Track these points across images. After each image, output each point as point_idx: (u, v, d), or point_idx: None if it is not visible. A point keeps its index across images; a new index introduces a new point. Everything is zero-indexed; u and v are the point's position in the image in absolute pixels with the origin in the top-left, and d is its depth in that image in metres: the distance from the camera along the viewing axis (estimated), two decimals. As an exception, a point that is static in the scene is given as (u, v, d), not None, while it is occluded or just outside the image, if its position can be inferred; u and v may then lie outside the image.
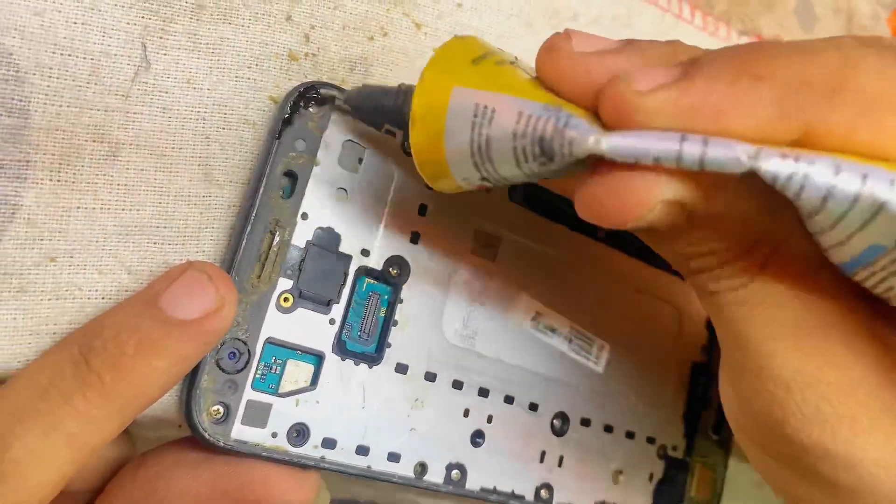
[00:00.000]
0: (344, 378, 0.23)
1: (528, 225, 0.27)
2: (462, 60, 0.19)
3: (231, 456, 0.22)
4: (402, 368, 0.24)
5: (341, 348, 0.23)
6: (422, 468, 0.25)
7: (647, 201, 0.16)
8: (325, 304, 0.23)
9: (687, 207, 0.17)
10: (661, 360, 0.31)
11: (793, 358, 0.18)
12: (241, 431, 0.22)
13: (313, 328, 0.23)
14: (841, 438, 0.17)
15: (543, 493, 0.27)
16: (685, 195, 0.16)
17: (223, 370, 0.21)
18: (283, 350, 0.22)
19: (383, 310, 0.24)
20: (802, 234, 0.17)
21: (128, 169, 0.21)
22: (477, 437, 0.26)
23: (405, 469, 0.24)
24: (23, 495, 0.18)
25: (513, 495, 0.26)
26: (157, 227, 0.22)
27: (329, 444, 0.23)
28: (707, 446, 0.31)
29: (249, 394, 0.22)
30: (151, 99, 0.22)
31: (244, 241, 0.22)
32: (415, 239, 0.25)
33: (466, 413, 0.26)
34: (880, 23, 0.38)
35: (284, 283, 0.22)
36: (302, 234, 0.23)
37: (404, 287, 0.24)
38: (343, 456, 0.23)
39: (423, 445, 0.25)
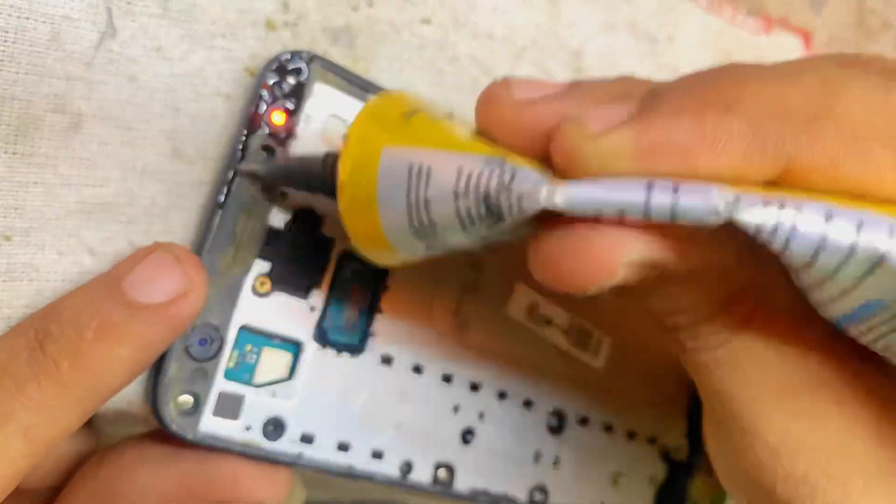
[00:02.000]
0: (324, 369, 0.22)
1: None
2: (391, 117, 0.17)
3: (199, 450, 0.20)
4: (386, 360, 0.23)
5: (322, 337, 0.22)
6: (407, 467, 0.23)
7: (610, 263, 0.14)
8: (304, 290, 0.22)
9: (657, 264, 0.15)
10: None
11: (779, 421, 0.16)
12: (211, 424, 0.20)
13: (292, 315, 0.21)
14: (833, 502, 0.16)
15: (538, 495, 0.25)
16: (654, 253, 0.14)
17: (193, 357, 0.20)
18: (259, 337, 0.21)
19: (368, 297, 0.23)
20: (787, 284, 0.15)
21: (90, 142, 0.20)
22: (467, 435, 0.24)
23: (389, 468, 0.23)
24: None
25: (505, 497, 0.25)
26: (122, 205, 0.20)
27: (307, 439, 0.21)
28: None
29: (221, 384, 0.20)
30: (117, 68, 0.20)
31: (217, 220, 0.20)
32: None
33: (456, 409, 0.24)
34: (891, 6, 0.37)
35: (261, 266, 0.21)
36: (280, 215, 0.21)
37: (391, 274, 0.23)
38: (322, 452, 0.22)
39: (409, 443, 0.23)
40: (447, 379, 0.24)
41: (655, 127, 0.14)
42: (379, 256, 0.18)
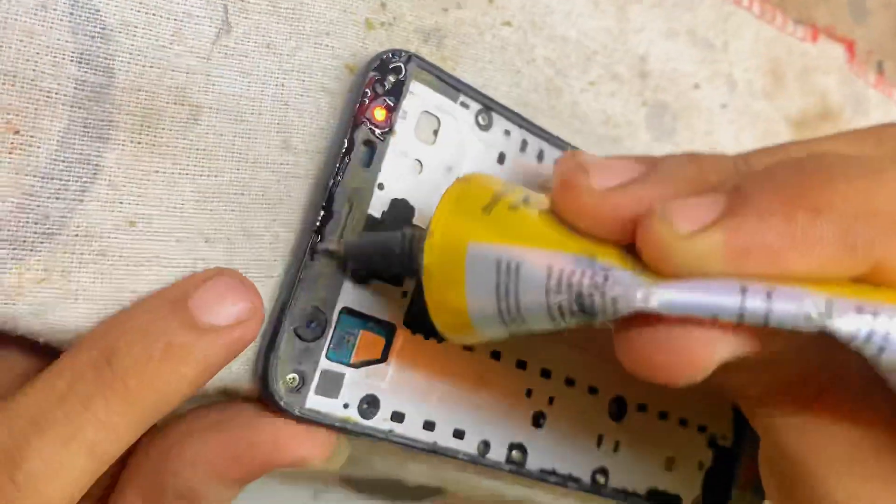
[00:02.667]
0: (413, 352, 0.23)
1: None
2: (472, 210, 0.18)
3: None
4: (468, 346, 0.24)
5: (412, 322, 0.23)
6: (485, 447, 0.24)
7: (703, 361, 0.15)
8: (398, 277, 0.23)
9: (741, 357, 0.15)
10: None
11: (847, 483, 0.17)
12: (314, 401, 0.21)
13: (386, 300, 0.23)
14: None
15: (599, 477, 0.27)
16: (744, 348, 0.15)
17: (301, 338, 0.21)
18: (357, 321, 0.22)
19: None
20: (858, 364, 0.15)
21: (207, 134, 0.21)
22: (539, 419, 0.25)
23: (469, 447, 0.24)
24: None
25: (570, 478, 0.26)
26: (235, 194, 0.21)
27: (398, 417, 0.23)
28: (755, 437, 0.31)
29: (324, 363, 0.21)
30: (232, 62, 0.21)
31: (327, 209, 0.21)
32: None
33: (529, 393, 0.25)
34: (924, 18, 0.38)
35: None
36: (378, 205, 0.22)
37: None
38: (410, 430, 0.23)
39: (487, 424, 0.24)
40: (521, 365, 0.25)
41: (746, 229, 0.14)
42: (459, 337, 0.19)
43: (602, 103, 0.28)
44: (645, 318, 0.15)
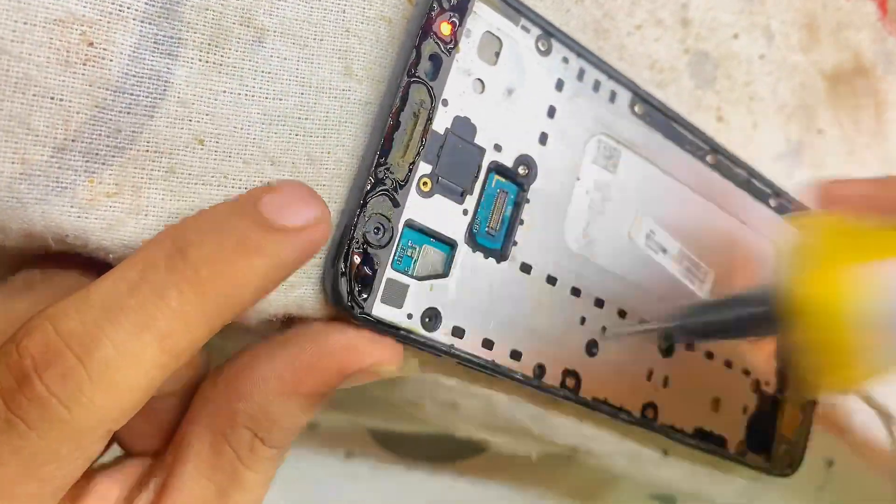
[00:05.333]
0: (473, 270, 0.23)
1: (649, 144, 0.27)
2: (848, 233, 0.18)
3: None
4: (525, 268, 0.24)
5: (472, 240, 0.23)
6: (540, 370, 0.24)
7: None
8: (459, 195, 0.23)
9: None
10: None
11: None
12: (379, 309, 0.21)
13: (448, 216, 0.23)
14: None
15: (649, 412, 0.27)
16: None
17: (368, 244, 0.21)
18: (420, 235, 0.22)
19: (510, 209, 0.24)
20: None
21: (272, 57, 0.21)
22: (592, 347, 0.25)
23: (525, 368, 0.24)
24: (113, 399, 0.17)
25: (622, 410, 0.26)
26: (300, 118, 0.21)
27: (458, 332, 0.23)
28: (798, 386, 0.31)
29: (389, 272, 0.22)
30: (295, -13, 0.21)
31: (395, 124, 0.21)
32: (543, 140, 0.25)
33: (583, 321, 0.25)
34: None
35: (424, 168, 0.22)
36: (442, 121, 0.22)
37: (531, 188, 0.24)
38: (470, 347, 0.23)
39: (542, 348, 0.24)
40: (576, 293, 0.25)
41: None
42: (845, 376, 0.18)
43: (647, 47, 0.28)
44: None
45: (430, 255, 0.22)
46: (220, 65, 0.20)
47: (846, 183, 0.19)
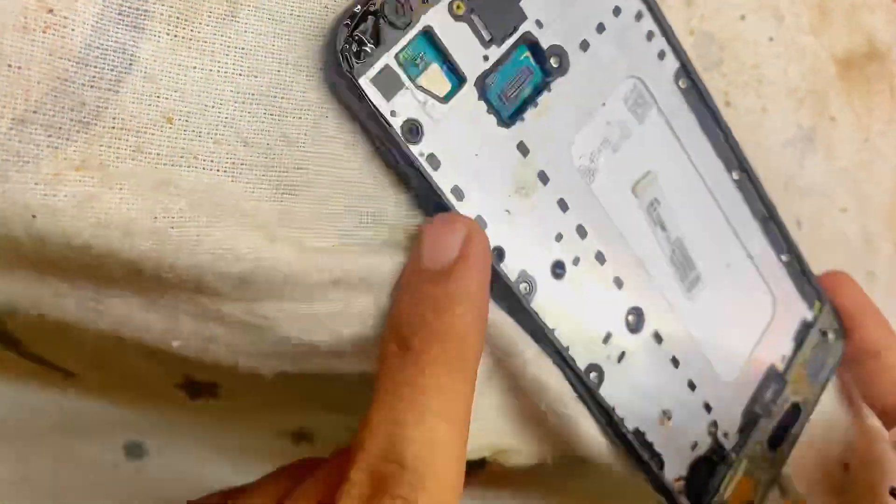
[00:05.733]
0: (471, 115, 0.22)
1: (681, 122, 0.26)
2: None
3: (351, 94, 0.20)
4: (523, 148, 0.23)
5: (481, 88, 0.22)
6: (499, 254, 0.23)
7: None
8: (486, 38, 0.22)
9: None
10: (744, 338, 0.29)
11: None
12: (367, 85, 0.20)
13: (468, 51, 0.22)
14: None
15: (593, 376, 0.25)
16: None
17: (384, 13, 0.20)
18: (433, 51, 0.21)
19: (529, 89, 0.23)
20: None
21: (246, 31, 0.20)
22: (557, 269, 0.24)
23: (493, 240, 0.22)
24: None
25: (566, 351, 0.24)
26: (275, 97, 0.20)
27: (433, 161, 0.21)
28: (757, 454, 0.29)
29: (391, 59, 0.21)
30: (271, -41, 0.20)
31: None
32: (584, 45, 0.24)
33: (559, 237, 0.24)
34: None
35: None
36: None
37: (556, 82, 0.24)
38: (440, 180, 0.21)
39: (513, 236, 0.23)
40: (562, 206, 0.24)
41: None
42: None
43: (648, 28, 0.27)
44: None
45: (436, 76, 0.21)
46: (191, 39, 0.19)
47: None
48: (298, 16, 0.21)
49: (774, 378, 0.29)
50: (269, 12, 0.20)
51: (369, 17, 0.20)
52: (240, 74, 0.20)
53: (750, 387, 0.29)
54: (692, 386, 0.27)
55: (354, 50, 0.20)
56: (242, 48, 0.20)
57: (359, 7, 0.20)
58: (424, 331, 0.20)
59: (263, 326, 0.21)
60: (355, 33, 0.20)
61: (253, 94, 0.20)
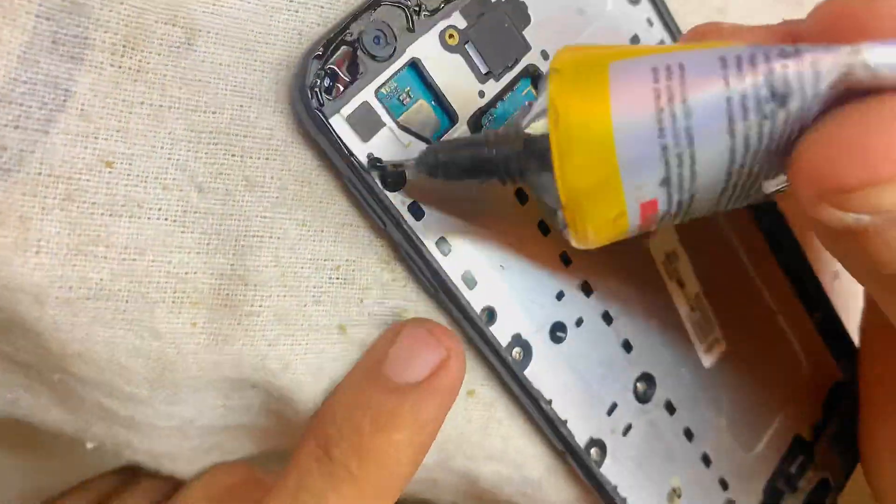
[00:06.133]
0: None
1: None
2: (602, 48, 0.15)
3: (321, 134, 0.18)
4: (521, 194, 0.20)
5: (475, 127, 0.20)
6: (490, 315, 0.20)
7: None
8: (483, 72, 0.20)
9: None
10: (768, 405, 0.26)
11: None
12: (340, 124, 0.18)
13: (461, 87, 0.19)
14: None
15: (594, 452, 0.22)
16: None
17: (363, 45, 0.18)
18: (422, 85, 0.19)
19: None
20: None
21: (204, 62, 0.17)
22: (557, 331, 0.21)
23: (473, 300, 0.19)
24: None
25: (564, 425, 0.21)
26: (237, 135, 0.18)
27: (416, 212, 0.19)
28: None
29: (370, 95, 0.18)
30: (238, -21, 0.18)
31: None
32: None
33: (560, 296, 0.21)
34: None
35: (458, 20, 0.19)
36: None
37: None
38: (422, 232, 0.19)
39: (506, 295, 0.20)
40: (565, 260, 0.21)
41: None
42: (597, 201, 0.15)
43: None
44: (846, 108, 0.13)
45: (423, 114, 0.19)
46: (138, 70, 0.17)
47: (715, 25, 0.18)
48: (267, 43, 0.18)
49: (801, 449, 0.26)
50: (232, 40, 0.18)
51: (344, 47, 0.18)
52: (195, 110, 0.17)
53: (773, 460, 0.26)
54: (707, 461, 0.24)
55: (326, 85, 0.17)
56: (199, 80, 0.17)
57: (333, 35, 0.17)
58: (352, 443, 0.17)
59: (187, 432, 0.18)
60: (328, 65, 0.17)
61: (211, 133, 0.17)
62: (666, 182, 0.14)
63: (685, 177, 0.14)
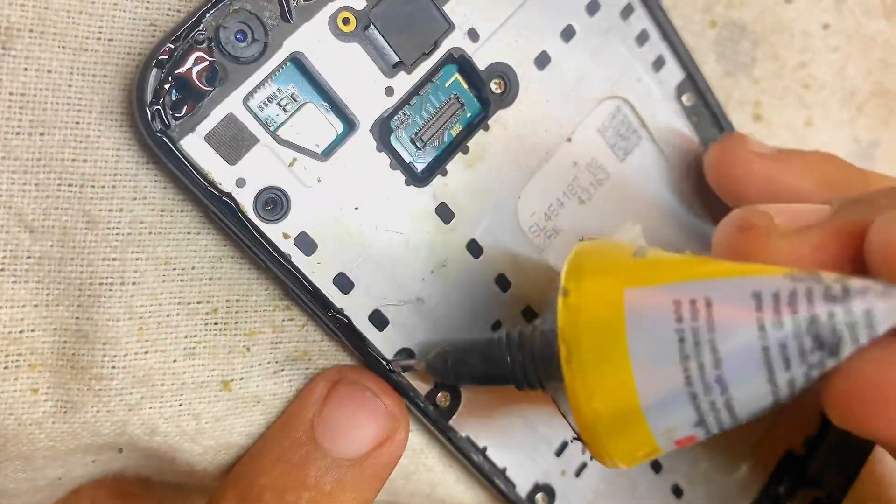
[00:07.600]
0: (367, 174, 0.16)
1: (686, 153, 0.20)
2: (617, 257, 0.14)
3: (170, 161, 0.14)
4: (445, 214, 0.17)
5: (383, 134, 0.16)
6: (406, 355, 0.17)
7: None
8: (391, 63, 0.16)
9: None
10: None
11: None
12: (196, 146, 0.14)
13: (362, 82, 0.15)
14: None
15: (540, 498, 0.19)
16: None
17: (220, 45, 0.14)
18: (310, 86, 0.15)
19: (458, 127, 0.17)
20: None
21: (26, 69, 0.14)
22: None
23: (383, 345, 0.16)
24: None
25: (501, 474, 0.18)
26: (73, 160, 0.14)
27: (306, 243, 0.15)
28: None
29: (236, 105, 0.14)
30: (64, -40, 0.14)
31: None
32: (541, 62, 0.18)
33: (497, 325, 0.17)
34: None
35: (353, 0, 0.15)
36: None
37: (498, 114, 0.17)
38: (313, 273, 0.15)
39: (421, 329, 0.17)
40: (502, 285, 0.18)
41: None
42: (619, 443, 0.13)
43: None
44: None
45: (311, 121, 0.15)
46: (-64, 87, 0.13)
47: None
48: (109, 40, 0.14)
49: (792, 466, 0.23)
50: (62, 38, 0.14)
51: (197, 49, 0.14)
52: (18, 132, 0.14)
53: (758, 482, 0.23)
54: (678, 492, 0.21)
55: (173, 99, 0.14)
56: (21, 94, 0.14)
57: (180, 34, 0.14)
58: None
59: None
60: (176, 73, 0.14)
61: (39, 160, 0.14)
62: (701, 423, 0.13)
63: (723, 419, 0.13)
